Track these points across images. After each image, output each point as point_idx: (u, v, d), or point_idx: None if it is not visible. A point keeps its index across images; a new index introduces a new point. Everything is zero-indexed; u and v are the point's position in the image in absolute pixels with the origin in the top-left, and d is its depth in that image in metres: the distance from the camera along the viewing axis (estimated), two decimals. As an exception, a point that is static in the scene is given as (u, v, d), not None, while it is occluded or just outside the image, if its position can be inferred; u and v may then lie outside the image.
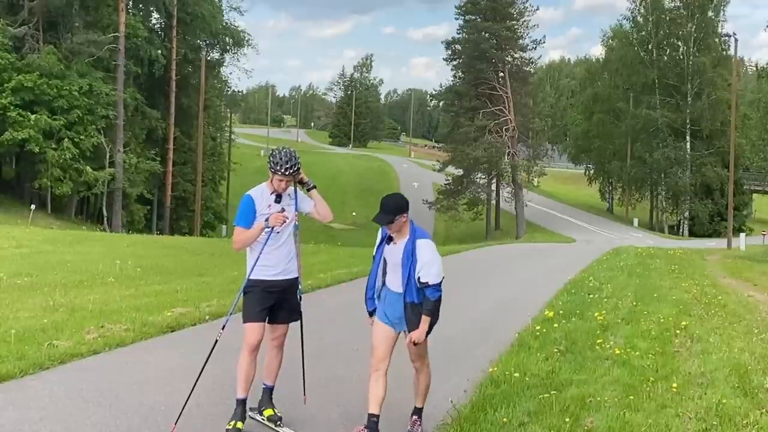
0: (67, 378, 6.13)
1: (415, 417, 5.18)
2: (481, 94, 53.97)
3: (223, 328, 5.13)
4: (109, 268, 14.99)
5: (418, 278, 4.80)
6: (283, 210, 5.02)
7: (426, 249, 4.82)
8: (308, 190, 5.23)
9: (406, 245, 4.85)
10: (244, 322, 5.07)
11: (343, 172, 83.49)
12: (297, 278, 5.27)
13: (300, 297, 5.33)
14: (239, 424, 4.98)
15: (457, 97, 58.06)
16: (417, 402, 5.21)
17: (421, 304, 4.86)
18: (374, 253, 5.07)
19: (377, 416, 4.88)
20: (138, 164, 42.11)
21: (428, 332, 4.97)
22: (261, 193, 5.12)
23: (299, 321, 5.34)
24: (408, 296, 4.88)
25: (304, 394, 5.36)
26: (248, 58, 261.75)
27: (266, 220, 4.98)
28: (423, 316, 4.85)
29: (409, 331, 4.93)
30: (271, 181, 5.07)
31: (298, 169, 5.03)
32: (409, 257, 4.82)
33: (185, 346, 7.47)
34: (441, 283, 4.85)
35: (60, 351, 6.80)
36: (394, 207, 4.80)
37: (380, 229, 5.01)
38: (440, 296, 4.87)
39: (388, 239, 4.95)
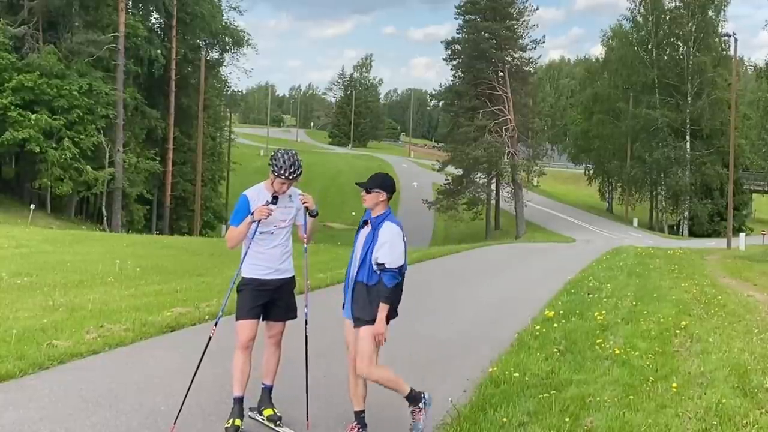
0: (66, 378, 6.12)
1: (412, 407, 5.00)
2: (480, 93, 53.96)
3: (215, 325, 5.15)
4: (108, 268, 15.00)
5: (376, 259, 4.75)
6: (268, 203, 5.01)
7: (387, 230, 4.80)
8: (311, 215, 5.24)
9: (370, 231, 4.86)
10: (237, 319, 5.10)
11: (342, 172, 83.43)
12: (292, 277, 5.28)
13: (306, 311, 5.27)
14: (237, 422, 4.98)
15: (456, 96, 58.04)
16: (401, 392, 4.98)
17: (374, 286, 4.77)
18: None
19: (364, 411, 4.99)
20: (138, 164, 42.14)
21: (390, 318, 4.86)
22: (258, 194, 5.13)
23: (305, 340, 5.32)
24: (360, 275, 4.83)
25: (307, 419, 5.21)
26: (248, 58, 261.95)
27: (252, 213, 4.99)
28: (381, 304, 4.74)
29: (353, 314, 4.84)
30: (272, 183, 5.08)
31: (301, 172, 5.04)
32: (371, 236, 4.83)
33: (185, 346, 7.47)
34: (400, 270, 4.75)
35: (60, 351, 6.80)
36: (378, 180, 4.95)
37: (362, 218, 5.06)
38: (398, 284, 4.77)
39: (364, 223, 4.97)
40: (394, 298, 4.79)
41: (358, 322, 4.84)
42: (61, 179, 37.61)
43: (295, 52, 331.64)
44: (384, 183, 4.94)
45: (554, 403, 5.70)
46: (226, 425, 4.96)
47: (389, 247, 4.75)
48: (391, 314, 4.87)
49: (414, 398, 4.98)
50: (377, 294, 4.77)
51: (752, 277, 18.46)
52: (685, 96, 61.09)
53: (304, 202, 5.17)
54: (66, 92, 37.32)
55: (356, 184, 5.02)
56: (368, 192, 4.92)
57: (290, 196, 5.17)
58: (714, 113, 60.46)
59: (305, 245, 5.30)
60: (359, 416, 4.98)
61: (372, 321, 4.78)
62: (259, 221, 5.00)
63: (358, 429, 4.96)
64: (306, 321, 5.28)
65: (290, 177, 5.00)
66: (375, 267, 4.75)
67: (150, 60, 44.10)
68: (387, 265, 4.72)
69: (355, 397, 4.98)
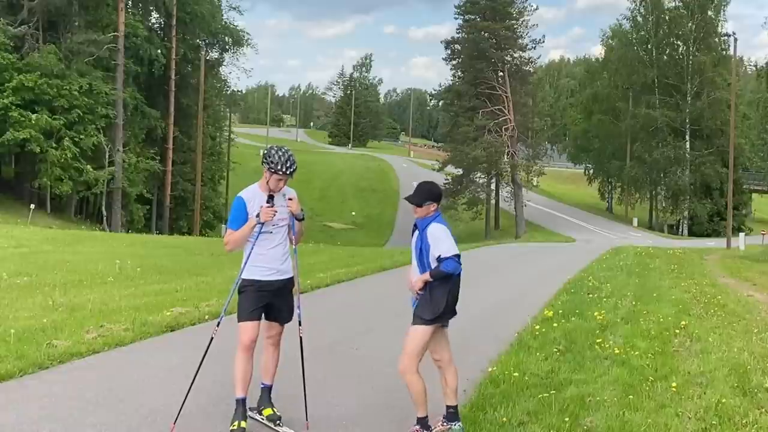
0: (66, 378, 6.13)
1: (416, 427, 4.99)
2: (480, 93, 53.97)
3: (218, 325, 5.15)
4: (108, 268, 15.00)
5: (435, 256, 4.83)
6: (272, 205, 5.02)
7: (434, 229, 4.90)
8: (297, 219, 5.24)
9: (419, 234, 4.96)
10: (239, 321, 5.09)
11: (342, 172, 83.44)
12: (292, 278, 5.28)
13: (299, 311, 5.29)
14: (243, 423, 4.98)
15: (456, 96, 58.06)
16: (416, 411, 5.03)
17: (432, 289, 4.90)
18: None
19: (455, 406, 5.10)
20: (137, 164, 42.13)
21: (433, 320, 4.88)
22: (253, 195, 5.12)
23: (299, 341, 5.33)
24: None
25: (307, 419, 5.23)
26: (248, 58, 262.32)
27: (257, 215, 5.00)
28: (429, 273, 4.84)
29: (414, 312, 4.97)
30: (267, 182, 5.06)
31: (296, 168, 5.06)
32: (420, 241, 4.92)
33: (185, 346, 7.47)
34: (456, 259, 4.81)
35: (59, 351, 6.80)
36: (425, 192, 4.96)
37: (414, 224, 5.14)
38: (452, 272, 4.81)
39: (415, 227, 5.05)
40: (439, 277, 4.83)
41: (415, 319, 4.94)
42: (61, 179, 37.58)
43: (295, 51, 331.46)
44: (432, 193, 4.97)
45: (554, 403, 5.70)
46: (231, 428, 4.95)
47: (440, 241, 4.84)
48: (441, 316, 4.92)
49: (424, 425, 5.00)
50: (433, 294, 4.87)
51: (752, 277, 18.46)
52: (684, 96, 61.11)
53: (288, 207, 5.17)
54: (66, 92, 37.30)
55: (405, 199, 5.07)
56: (419, 206, 4.95)
57: (284, 194, 5.17)
58: (714, 113, 60.49)
59: (294, 246, 5.31)
60: (448, 410, 5.07)
61: (428, 321, 4.89)
62: (263, 223, 5.01)
63: (443, 422, 5.05)
64: (299, 322, 5.28)
65: (287, 172, 5.00)
66: (435, 263, 4.83)
67: (150, 60, 44.08)
68: (443, 255, 4.80)
69: (447, 393, 5.05)
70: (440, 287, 4.88)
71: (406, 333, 5.01)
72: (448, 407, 5.10)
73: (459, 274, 4.92)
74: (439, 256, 4.81)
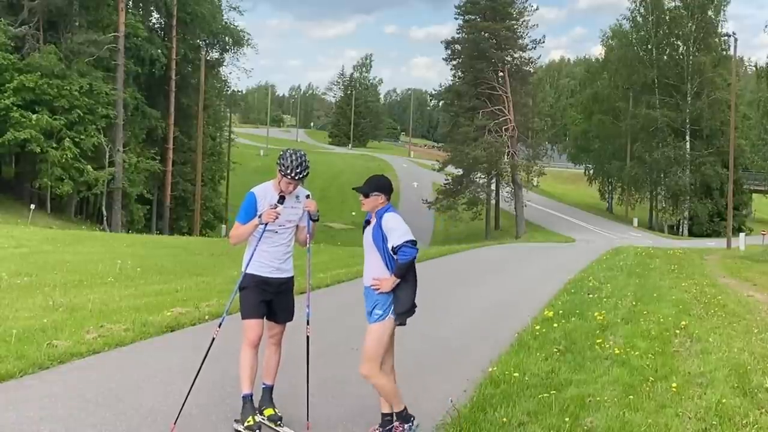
0: (66, 378, 6.12)
1: (397, 423, 4.94)
2: (480, 93, 53.95)
3: (219, 326, 5.16)
4: (108, 268, 15.00)
5: (391, 248, 4.74)
6: (276, 205, 5.03)
7: (387, 218, 4.82)
8: (312, 220, 5.26)
9: (374, 225, 4.87)
10: (243, 318, 5.11)
11: (342, 172, 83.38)
12: (292, 277, 5.30)
13: (308, 311, 5.28)
14: (257, 418, 5.01)
15: (456, 96, 58.04)
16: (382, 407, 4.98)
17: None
18: None
19: (391, 414, 4.95)
20: (138, 164, 42.16)
21: (402, 313, 4.81)
22: (265, 193, 5.15)
23: (306, 340, 5.32)
24: (367, 278, 4.90)
25: (308, 419, 5.22)
26: (248, 58, 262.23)
27: (259, 216, 5.02)
28: (392, 276, 4.75)
29: (366, 309, 4.91)
30: (279, 183, 5.09)
31: (308, 173, 5.06)
32: (379, 232, 4.81)
33: (185, 346, 7.47)
34: (410, 244, 4.70)
35: (59, 351, 6.80)
36: (374, 183, 4.93)
37: (365, 220, 5.06)
38: (412, 260, 4.71)
39: (366, 223, 4.98)
40: (405, 272, 4.75)
41: (373, 317, 4.88)
42: (61, 179, 37.61)
43: (296, 51, 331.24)
44: (380, 184, 4.92)
45: (554, 403, 5.70)
46: (248, 423, 4.93)
47: (394, 231, 4.75)
48: (409, 310, 4.84)
49: (405, 417, 4.95)
50: (402, 289, 4.80)
51: (752, 277, 18.46)
52: (684, 96, 61.11)
53: (306, 207, 5.20)
54: (66, 92, 37.32)
55: (353, 189, 5.02)
56: (366, 196, 4.90)
57: (297, 196, 5.19)
58: (714, 113, 60.51)
59: (308, 246, 5.31)
60: (384, 418, 4.96)
61: (398, 315, 4.82)
62: (266, 224, 5.03)
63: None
64: (308, 321, 5.29)
65: (296, 177, 5.02)
66: (392, 253, 4.75)
67: (150, 60, 44.09)
68: (395, 244, 4.71)
69: (383, 401, 4.95)
70: (405, 281, 4.79)
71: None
72: (384, 415, 4.96)
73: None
74: (392, 246, 4.71)
